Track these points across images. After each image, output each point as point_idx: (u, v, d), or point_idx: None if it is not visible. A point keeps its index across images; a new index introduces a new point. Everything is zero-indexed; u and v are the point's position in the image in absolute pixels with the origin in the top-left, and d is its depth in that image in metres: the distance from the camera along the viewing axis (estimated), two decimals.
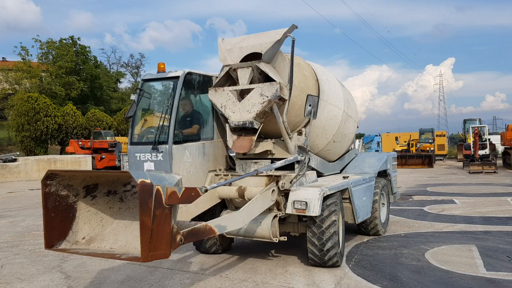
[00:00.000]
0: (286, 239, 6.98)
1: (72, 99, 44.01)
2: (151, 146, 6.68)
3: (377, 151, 42.64)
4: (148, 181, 4.25)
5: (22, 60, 42.68)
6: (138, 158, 6.83)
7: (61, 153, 33.31)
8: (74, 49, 46.26)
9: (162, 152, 6.62)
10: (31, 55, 44.24)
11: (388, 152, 10.41)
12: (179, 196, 4.51)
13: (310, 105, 6.52)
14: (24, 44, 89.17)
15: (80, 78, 45.73)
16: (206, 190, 4.89)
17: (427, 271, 6.77)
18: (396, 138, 39.36)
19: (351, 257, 7.62)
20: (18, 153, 26.17)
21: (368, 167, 9.13)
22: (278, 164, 6.63)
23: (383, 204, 9.50)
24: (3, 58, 57.49)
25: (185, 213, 6.47)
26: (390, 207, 12.78)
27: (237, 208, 7.42)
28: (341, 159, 9.09)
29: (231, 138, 7.02)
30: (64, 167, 22.00)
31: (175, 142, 6.65)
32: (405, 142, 38.36)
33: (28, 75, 41.99)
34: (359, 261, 7.41)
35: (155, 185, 4.30)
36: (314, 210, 6.41)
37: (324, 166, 8.35)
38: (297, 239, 8.28)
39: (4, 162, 19.32)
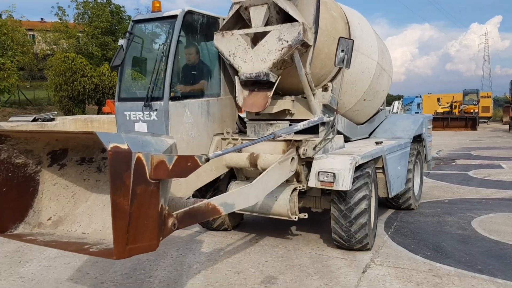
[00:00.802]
0: (306, 216, 5.78)
1: (108, 59, 43.36)
2: (143, 102, 5.43)
3: (417, 113, 40.91)
4: (124, 146, 3.02)
5: (59, 21, 41.99)
6: (127, 118, 5.59)
7: (98, 113, 32.56)
8: (109, 8, 45.10)
9: (156, 110, 5.37)
10: (68, 15, 43.81)
11: (423, 114, 9.03)
12: (170, 167, 3.29)
13: (343, 51, 5.16)
14: (61, 4, 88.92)
15: (116, 39, 44.75)
16: (207, 159, 3.65)
17: (474, 241, 6.12)
18: (438, 99, 37.53)
19: (390, 224, 7.01)
20: (56, 112, 25.41)
21: (402, 130, 7.81)
22: (300, 126, 5.35)
23: (417, 174, 8.22)
24: (41, 19, 56.76)
25: (183, 185, 5.28)
26: (431, 172, 11.79)
27: (248, 179, 6.22)
28: (370, 122, 7.77)
29: (241, 94, 5.72)
30: (101, 127, 21.08)
31: (173, 98, 5.39)
32: (447, 103, 36.75)
33: (65, 35, 41.40)
34: (399, 228, 6.80)
35: (134, 152, 3.07)
36: (344, 183, 5.17)
37: (352, 129, 7.05)
38: (320, 215, 7.11)
39: (43, 121, 18.36)
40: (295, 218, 5.67)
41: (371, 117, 7.73)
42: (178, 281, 4.88)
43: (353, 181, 5.35)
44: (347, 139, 6.94)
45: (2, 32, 28.89)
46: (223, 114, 6.21)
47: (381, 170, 6.42)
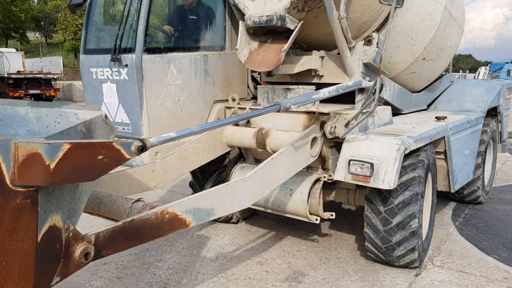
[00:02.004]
0: (333, 216, 4.23)
1: None
2: (110, 55, 3.98)
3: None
4: None
5: None
6: (94, 76, 4.18)
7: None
8: None
9: (126, 66, 3.91)
10: None
11: (501, 80, 7.02)
12: (52, 164, 1.82)
13: None
14: None
15: None
16: (143, 148, 2.14)
17: None
18: None
19: (460, 212, 5.78)
20: None
21: (472, 101, 5.94)
22: (323, 93, 3.72)
23: (489, 158, 6.38)
24: None
25: (159, 172, 3.84)
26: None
27: (257, 161, 4.70)
28: (430, 89, 5.94)
29: (246, 46, 4.11)
30: None
31: (150, 50, 3.90)
32: None
33: None
34: (470, 217, 5.57)
35: None
36: (387, 178, 3.54)
37: (404, 98, 5.30)
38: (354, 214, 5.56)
39: None
40: (317, 220, 4.13)
41: (431, 83, 5.90)
42: (189, 269, 4.00)
43: (400, 173, 3.72)
44: (397, 112, 5.23)
45: None
46: (229, 74, 4.66)
47: (442, 156, 4.70)
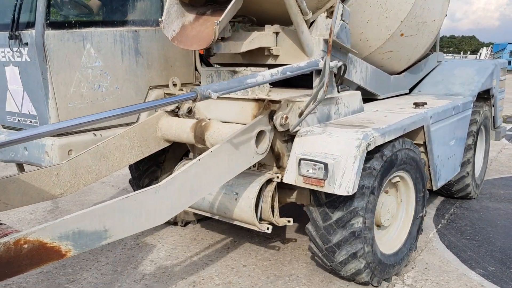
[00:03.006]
0: (291, 223, 3.54)
1: None
2: (8, 32, 3.25)
3: (509, 62, 35.20)
4: None
5: None
6: None
7: None
8: None
9: (27, 44, 3.18)
10: None
11: (495, 60, 6.25)
12: None
13: None
14: None
15: None
16: None
17: None
18: None
19: (444, 212, 4.97)
20: None
21: (461, 84, 5.19)
22: (266, 76, 2.98)
23: (481, 148, 5.67)
24: None
25: (81, 170, 3.13)
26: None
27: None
28: (412, 70, 5.19)
29: (178, 18, 3.36)
30: None
31: (54, 24, 3.17)
32: None
33: None
34: (456, 219, 4.77)
35: None
36: (344, 182, 2.84)
37: (380, 81, 4.56)
38: None
39: None
40: (268, 229, 3.43)
41: (414, 63, 5.15)
42: None
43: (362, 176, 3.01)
44: (373, 97, 4.51)
45: None
46: (169, 54, 3.93)
47: (422, 149, 3.99)
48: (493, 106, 5.86)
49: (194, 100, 2.47)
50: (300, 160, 2.97)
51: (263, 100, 3.36)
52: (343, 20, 3.60)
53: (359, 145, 2.89)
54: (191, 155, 4.07)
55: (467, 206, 5.14)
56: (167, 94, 3.92)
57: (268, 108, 3.31)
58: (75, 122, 2.07)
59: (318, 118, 3.38)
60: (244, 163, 3.12)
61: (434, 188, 4.23)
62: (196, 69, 4.24)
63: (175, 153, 4.21)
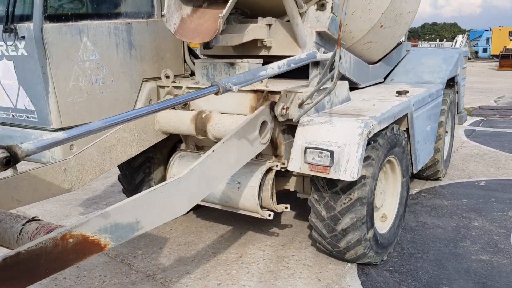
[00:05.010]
0: (288, 209, 3.68)
1: None
2: (2, 25, 3.15)
3: (485, 49, 34.74)
4: None
5: None
6: None
7: None
8: None
9: (24, 38, 3.09)
10: None
11: (458, 49, 6.64)
12: None
13: None
14: None
15: None
16: (9, 161, 1.43)
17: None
18: (510, 33, 32.31)
19: None
20: None
21: (431, 72, 5.50)
22: (274, 68, 3.08)
23: (447, 131, 6.04)
24: None
25: (87, 164, 3.11)
26: (478, 129, 9.14)
27: (200, 148, 4.04)
28: (386, 59, 5.44)
29: (177, 11, 3.38)
30: None
31: (52, 17, 3.10)
32: None
33: None
34: None
35: None
36: (349, 168, 3.01)
37: (361, 71, 4.77)
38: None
39: None
40: (270, 215, 3.56)
41: (388, 53, 5.41)
42: None
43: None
44: (353, 87, 4.71)
45: None
46: (160, 46, 3.93)
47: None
48: (457, 92, 6.25)
49: (216, 94, 2.54)
50: (306, 148, 3.10)
51: (261, 91, 3.46)
52: (333, 13, 3.75)
53: (361, 133, 3.06)
54: (183, 145, 4.11)
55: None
56: (160, 86, 3.93)
57: (268, 99, 3.41)
58: (112, 121, 2.08)
59: (316, 108, 3.51)
60: (250, 153, 3.21)
61: (414, 171, 4.51)
62: (185, 61, 4.26)
63: (162, 147, 4.22)
